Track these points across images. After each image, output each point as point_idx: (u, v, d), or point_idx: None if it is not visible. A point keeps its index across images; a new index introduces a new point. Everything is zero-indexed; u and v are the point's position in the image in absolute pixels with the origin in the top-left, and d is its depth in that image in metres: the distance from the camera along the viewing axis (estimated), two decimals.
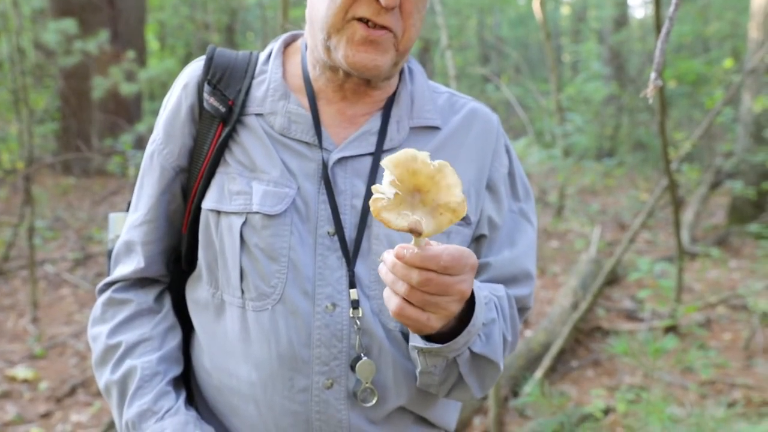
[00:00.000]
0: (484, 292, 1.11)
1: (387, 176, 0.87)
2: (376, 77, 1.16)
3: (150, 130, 1.34)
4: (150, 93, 11.49)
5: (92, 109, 9.27)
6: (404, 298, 0.92)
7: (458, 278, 0.91)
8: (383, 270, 0.93)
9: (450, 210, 0.86)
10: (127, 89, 7.47)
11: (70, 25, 6.75)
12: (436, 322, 0.95)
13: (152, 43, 13.85)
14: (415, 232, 0.85)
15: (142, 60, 9.66)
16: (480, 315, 1.03)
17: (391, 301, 0.94)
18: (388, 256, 0.92)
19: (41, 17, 8.80)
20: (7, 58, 6.29)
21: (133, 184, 1.33)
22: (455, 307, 0.95)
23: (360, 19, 1.09)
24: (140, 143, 7.80)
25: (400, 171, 0.87)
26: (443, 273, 0.90)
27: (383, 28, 1.09)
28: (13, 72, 5.87)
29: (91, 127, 9.27)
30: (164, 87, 10.27)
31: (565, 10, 21.30)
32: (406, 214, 0.86)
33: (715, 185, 7.80)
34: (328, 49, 1.13)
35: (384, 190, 0.86)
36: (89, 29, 7.94)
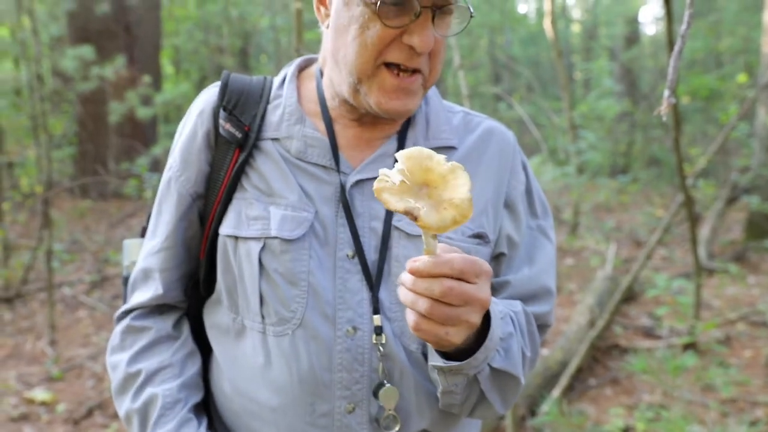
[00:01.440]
0: (499, 307, 1.10)
1: (398, 165, 0.88)
2: (404, 118, 1.18)
3: (166, 153, 1.35)
4: (165, 116, 11.62)
5: (109, 134, 9.40)
6: (424, 315, 0.91)
7: (476, 286, 0.91)
8: (403, 292, 0.92)
9: (453, 206, 0.85)
10: (143, 113, 7.57)
11: (87, 51, 6.87)
12: (455, 336, 0.94)
13: (167, 68, 14.03)
14: (410, 216, 0.84)
15: (157, 84, 9.79)
16: (497, 329, 1.03)
17: (409, 317, 0.93)
18: (407, 275, 0.91)
19: (59, 44, 8.97)
20: (27, 85, 6.41)
21: (150, 207, 1.33)
22: (476, 318, 0.94)
23: (388, 65, 1.10)
24: (156, 166, 7.88)
25: (411, 164, 0.88)
26: (461, 279, 0.89)
27: (414, 72, 1.11)
28: (32, 98, 5.98)
29: (107, 151, 9.39)
30: (179, 110, 10.39)
31: (576, 28, 21.36)
32: (407, 200, 0.86)
33: (731, 200, 7.74)
34: (356, 92, 1.13)
35: (391, 174, 0.87)
36: (106, 55, 8.07)
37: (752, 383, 4.06)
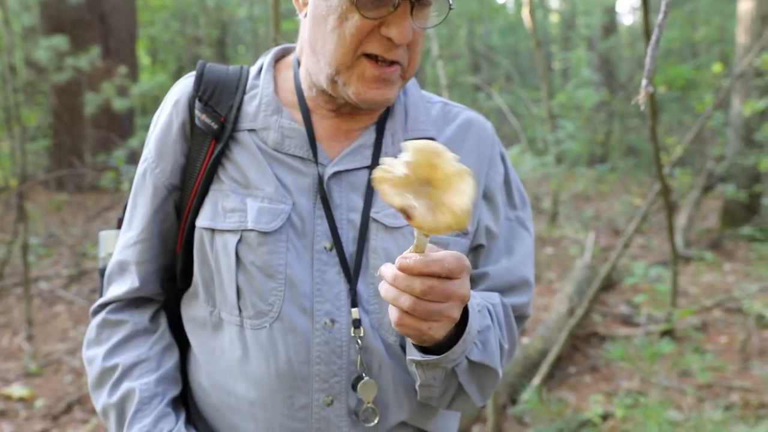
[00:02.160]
0: (477, 300, 1.11)
1: (404, 156, 0.83)
2: (382, 108, 1.17)
3: (142, 145, 1.33)
4: (142, 108, 11.49)
5: (84, 125, 9.26)
6: (406, 311, 0.91)
7: (458, 282, 0.91)
8: (383, 287, 0.92)
9: (452, 213, 0.81)
10: (119, 104, 7.47)
11: (61, 41, 6.75)
12: (437, 331, 0.94)
13: (144, 58, 13.87)
14: (405, 214, 0.80)
15: (133, 75, 9.66)
16: (474, 322, 1.03)
17: (392, 313, 0.93)
18: (388, 270, 0.91)
19: (32, 34, 8.80)
20: None
21: (126, 199, 1.31)
22: (457, 313, 0.94)
23: (368, 55, 1.08)
24: (133, 158, 7.79)
25: (419, 157, 0.83)
26: (447, 278, 0.89)
27: (392, 63, 1.09)
28: (5, 89, 5.87)
29: (83, 142, 9.25)
30: (156, 101, 10.27)
31: (554, 18, 21.44)
32: (406, 195, 0.81)
33: (707, 189, 7.84)
34: (334, 83, 1.11)
35: (395, 165, 0.82)
36: (81, 45, 7.94)
37: (727, 368, 4.12)
